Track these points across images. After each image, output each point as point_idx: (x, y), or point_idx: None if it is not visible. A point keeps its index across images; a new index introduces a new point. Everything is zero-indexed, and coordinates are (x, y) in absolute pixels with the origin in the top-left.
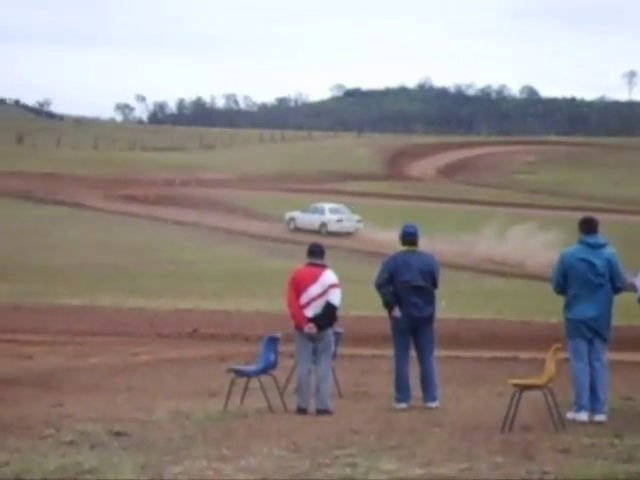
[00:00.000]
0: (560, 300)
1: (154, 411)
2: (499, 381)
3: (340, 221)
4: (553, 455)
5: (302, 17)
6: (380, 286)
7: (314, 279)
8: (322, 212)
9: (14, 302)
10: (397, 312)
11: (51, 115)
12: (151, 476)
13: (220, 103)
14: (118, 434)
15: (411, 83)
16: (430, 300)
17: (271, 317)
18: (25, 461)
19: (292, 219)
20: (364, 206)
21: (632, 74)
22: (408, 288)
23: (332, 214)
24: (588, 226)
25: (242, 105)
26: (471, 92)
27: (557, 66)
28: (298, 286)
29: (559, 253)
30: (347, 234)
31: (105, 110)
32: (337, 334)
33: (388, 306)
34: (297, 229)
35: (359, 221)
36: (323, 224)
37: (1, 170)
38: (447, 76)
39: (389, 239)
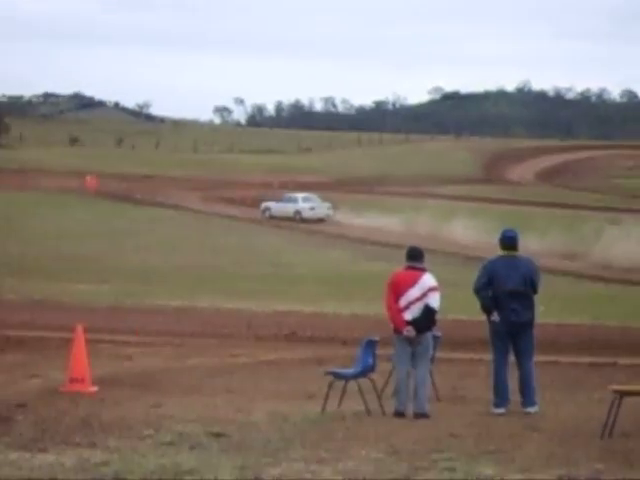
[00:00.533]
0: None
1: (252, 413)
2: (598, 387)
3: (312, 209)
4: None
5: (401, 20)
6: (478, 290)
7: (413, 282)
8: (295, 201)
9: (113, 303)
10: (496, 317)
11: (150, 118)
12: (249, 478)
13: (318, 106)
14: (217, 435)
15: (510, 86)
16: (529, 305)
17: (369, 320)
18: (125, 461)
19: (267, 208)
20: (462, 210)
21: None
22: (507, 293)
23: (305, 202)
24: None
25: (340, 108)
26: (570, 95)
27: None
28: (397, 289)
29: None
30: (319, 220)
31: (204, 113)
32: (436, 338)
33: (486, 311)
34: (272, 217)
35: (329, 208)
36: (297, 212)
37: (101, 171)
38: (546, 79)
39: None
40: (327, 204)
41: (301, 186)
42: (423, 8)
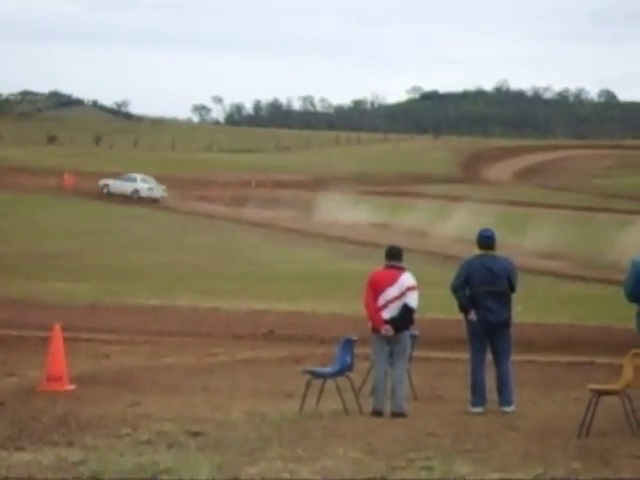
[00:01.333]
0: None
1: (230, 411)
2: (576, 386)
3: (151, 189)
4: (630, 461)
5: (379, 20)
6: (456, 290)
7: (392, 281)
8: (134, 180)
9: (91, 301)
10: (473, 316)
11: (129, 116)
12: (227, 476)
13: (296, 105)
14: (195, 434)
15: (488, 86)
16: (506, 304)
17: (347, 319)
18: (102, 460)
19: (106, 185)
20: (440, 209)
21: None
22: (484, 292)
23: (143, 183)
24: None
25: (318, 107)
26: (548, 95)
27: (636, 69)
28: (376, 288)
29: (631, 260)
30: (154, 201)
31: (182, 111)
32: (413, 337)
33: (464, 310)
34: (110, 194)
35: (164, 190)
36: (135, 190)
37: (79, 170)
38: (524, 79)
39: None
40: (163, 187)
41: (279, 185)
42: (402, 8)
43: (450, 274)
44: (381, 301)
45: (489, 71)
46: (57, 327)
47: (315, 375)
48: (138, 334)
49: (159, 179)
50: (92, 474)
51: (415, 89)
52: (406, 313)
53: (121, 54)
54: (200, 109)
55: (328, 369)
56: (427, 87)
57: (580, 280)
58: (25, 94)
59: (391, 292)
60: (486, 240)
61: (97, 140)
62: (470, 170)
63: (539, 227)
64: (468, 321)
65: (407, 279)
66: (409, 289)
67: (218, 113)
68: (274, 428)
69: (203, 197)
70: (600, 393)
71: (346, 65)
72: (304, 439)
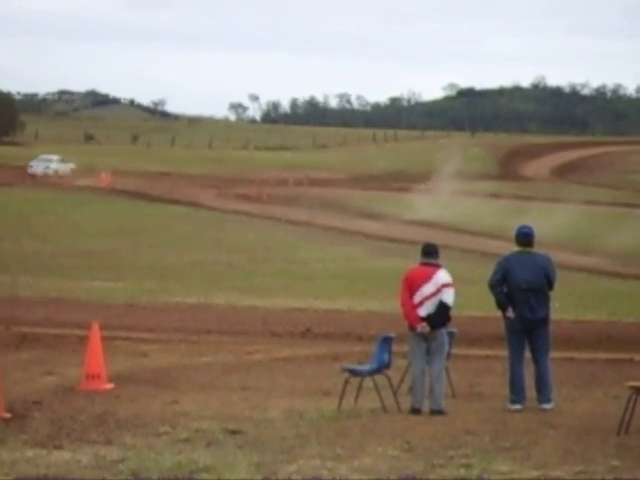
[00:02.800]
0: None
1: (268, 410)
2: (615, 383)
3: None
4: None
5: (416, 17)
6: (493, 287)
7: (428, 278)
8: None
9: (129, 300)
10: (510, 313)
11: (165, 115)
12: (266, 475)
13: (333, 103)
14: (233, 432)
15: (525, 82)
16: (544, 302)
17: (384, 317)
18: (141, 458)
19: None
20: (477, 206)
21: None
22: (521, 289)
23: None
24: None
25: (355, 105)
26: (586, 91)
27: None
28: (412, 285)
29: None
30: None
31: (219, 110)
32: (451, 334)
33: (501, 307)
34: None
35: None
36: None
37: (116, 169)
38: (562, 75)
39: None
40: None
41: (316, 183)
42: (438, 5)
43: (488, 271)
44: (417, 298)
45: (526, 67)
46: (95, 326)
47: (353, 373)
48: (175, 333)
49: (195, 178)
50: (131, 472)
51: (451, 86)
52: (442, 310)
53: (158, 53)
54: (237, 107)
55: (366, 367)
56: (463, 84)
57: (617, 277)
58: (62, 93)
59: (427, 289)
60: (524, 237)
61: (134, 139)
62: (507, 167)
63: (577, 223)
64: (506, 318)
65: (442, 276)
66: (445, 286)
67: (255, 111)
68: (312, 426)
69: (240, 195)
70: (639, 390)
71: (383, 63)
72: (342, 437)
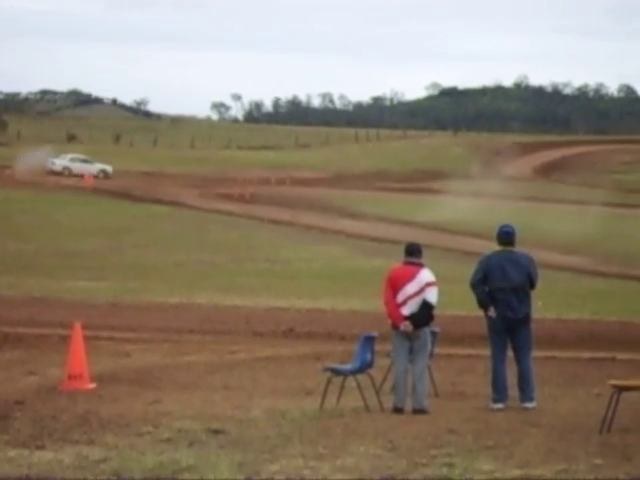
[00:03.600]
0: None
1: (251, 409)
2: (597, 382)
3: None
4: None
5: (399, 16)
6: (474, 286)
7: (411, 277)
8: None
9: (111, 300)
10: (492, 312)
11: (148, 114)
12: (248, 474)
13: (316, 102)
14: (215, 432)
15: (508, 82)
16: (525, 301)
17: (366, 316)
18: (123, 458)
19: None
20: (459, 205)
21: None
22: (502, 289)
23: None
24: None
25: (338, 104)
26: (568, 91)
27: None
28: (395, 284)
29: None
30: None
31: (201, 109)
32: (434, 333)
33: (483, 306)
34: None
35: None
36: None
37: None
38: (544, 74)
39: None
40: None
41: (299, 182)
42: (420, 4)
43: (470, 270)
44: (400, 297)
45: (508, 67)
46: (77, 325)
47: (335, 372)
48: (158, 332)
49: (178, 177)
50: (113, 472)
51: (434, 85)
52: (425, 309)
53: (140, 52)
54: (219, 107)
55: (348, 366)
56: (446, 83)
57: (600, 276)
58: (44, 93)
59: (410, 288)
60: (506, 236)
61: (116, 138)
62: (490, 166)
63: (559, 223)
64: (488, 317)
65: (426, 275)
66: (428, 285)
67: (237, 111)
68: (295, 426)
69: (222, 195)
70: (621, 389)
71: (365, 62)
72: (325, 437)
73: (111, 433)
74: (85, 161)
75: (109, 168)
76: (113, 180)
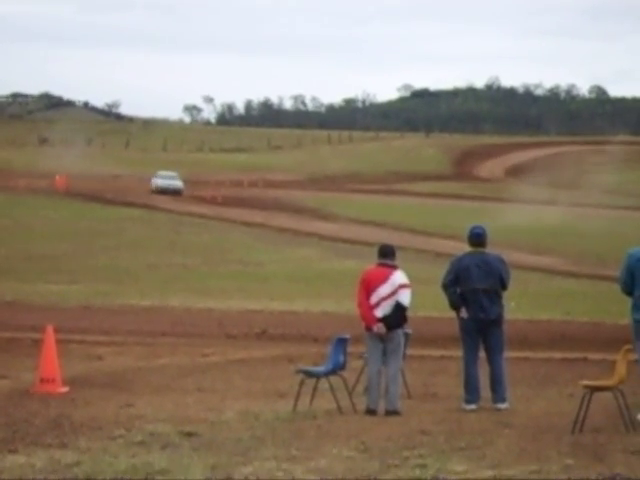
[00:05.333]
0: (630, 301)
1: (224, 412)
2: (569, 382)
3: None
4: (624, 457)
5: (369, 18)
6: (446, 287)
7: (384, 279)
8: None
9: (84, 303)
10: (464, 313)
11: (120, 117)
12: (221, 477)
13: (288, 104)
14: (188, 435)
15: (479, 83)
16: (496, 302)
17: (339, 318)
18: (96, 461)
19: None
20: (432, 207)
21: None
22: (474, 290)
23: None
24: None
25: (310, 106)
26: (539, 92)
27: (626, 66)
28: (368, 286)
29: (626, 254)
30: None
31: (173, 112)
32: (406, 335)
33: (454, 307)
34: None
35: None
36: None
37: (71, 172)
38: (515, 76)
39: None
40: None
41: (271, 184)
42: (392, 6)
43: (443, 271)
44: (374, 299)
45: (480, 68)
46: (49, 329)
47: (308, 374)
48: (131, 335)
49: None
50: (86, 476)
51: (406, 87)
52: (399, 311)
53: (111, 55)
54: (191, 109)
55: (321, 368)
56: (418, 85)
57: (572, 276)
58: (16, 96)
59: (383, 290)
60: (476, 237)
61: (89, 141)
62: (461, 167)
63: (531, 223)
64: (460, 319)
65: (399, 277)
66: (401, 287)
67: (209, 113)
68: (267, 428)
69: (195, 197)
70: (593, 389)
71: (337, 64)
72: (298, 439)
73: (84, 437)
74: (170, 177)
75: (179, 184)
76: (85, 182)
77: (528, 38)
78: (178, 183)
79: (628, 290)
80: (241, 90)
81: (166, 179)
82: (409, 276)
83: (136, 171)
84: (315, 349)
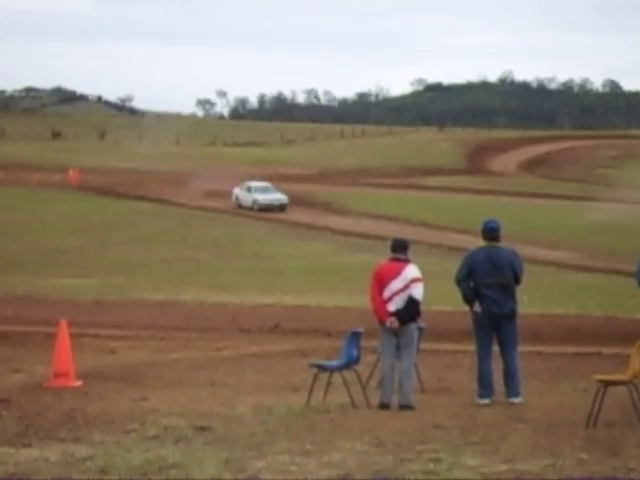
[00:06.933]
0: None
1: (237, 406)
2: (583, 377)
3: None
4: (638, 451)
5: (383, 12)
6: (459, 281)
7: (397, 274)
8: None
9: (97, 297)
10: (477, 307)
11: (133, 111)
12: (234, 471)
13: (301, 98)
14: (202, 429)
15: (493, 77)
16: (510, 296)
17: (352, 312)
18: (109, 455)
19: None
20: (445, 201)
21: None
22: (487, 284)
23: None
24: None
25: (323, 100)
26: (553, 86)
27: None
28: (381, 281)
29: None
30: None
31: (186, 106)
32: (420, 329)
33: (468, 302)
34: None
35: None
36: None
37: (84, 165)
38: (529, 70)
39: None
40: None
41: (285, 178)
42: (406, 0)
43: (456, 265)
44: (386, 294)
45: (493, 62)
46: (63, 323)
47: (322, 368)
48: (144, 329)
49: (164, 175)
50: (99, 470)
51: (419, 81)
52: (411, 305)
53: (124, 49)
54: (204, 103)
55: (335, 362)
56: (431, 79)
57: (586, 270)
58: (29, 90)
59: (396, 284)
60: (490, 231)
61: (102, 135)
62: (475, 161)
63: (545, 218)
64: (473, 313)
65: (411, 271)
66: (413, 281)
67: (222, 107)
68: (281, 422)
69: (208, 191)
70: (607, 384)
71: (350, 58)
72: (311, 433)
73: (97, 430)
74: (270, 190)
75: (284, 198)
76: (98, 176)
77: (542, 32)
78: (282, 197)
79: None
80: (254, 84)
81: (266, 192)
82: (422, 270)
83: (149, 165)
84: (328, 343)
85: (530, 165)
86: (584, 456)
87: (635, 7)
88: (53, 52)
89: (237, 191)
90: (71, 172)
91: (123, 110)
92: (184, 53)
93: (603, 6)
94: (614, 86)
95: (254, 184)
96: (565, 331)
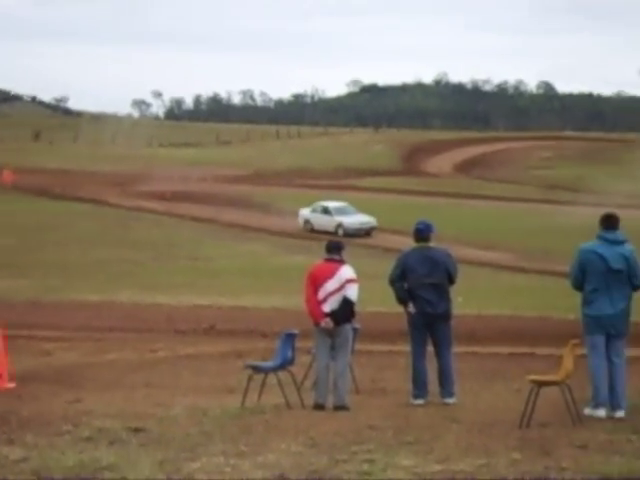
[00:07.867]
0: (578, 296)
1: (172, 407)
2: (517, 377)
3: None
4: (571, 451)
5: (318, 13)
6: (393, 282)
7: (331, 274)
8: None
9: (32, 298)
10: (411, 308)
11: (68, 111)
12: (169, 472)
13: (236, 99)
14: (136, 430)
15: (428, 79)
16: (444, 296)
17: (288, 313)
18: (43, 457)
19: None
20: (381, 202)
21: None
22: (420, 284)
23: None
24: (608, 222)
25: (258, 101)
26: (488, 87)
27: (574, 62)
28: (315, 281)
29: (577, 248)
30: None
31: (122, 106)
32: (355, 330)
33: (402, 302)
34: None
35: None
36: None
37: (18, 166)
38: (464, 72)
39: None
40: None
41: (220, 179)
42: (340, 1)
43: (390, 266)
44: (321, 294)
45: (428, 64)
46: None
47: (256, 370)
48: (79, 330)
49: (99, 176)
50: (33, 472)
51: (355, 82)
52: (346, 306)
53: (59, 49)
54: (140, 104)
55: (269, 363)
56: (367, 80)
57: (520, 272)
58: None
59: (330, 285)
60: (421, 232)
61: (36, 136)
62: (410, 163)
63: (479, 219)
64: (408, 313)
65: (346, 272)
66: (348, 282)
67: (158, 108)
68: (216, 423)
69: (144, 192)
70: (540, 384)
71: (286, 59)
72: (246, 434)
73: (31, 432)
74: (352, 212)
75: (373, 221)
76: (33, 177)
77: (476, 34)
78: (371, 220)
79: (579, 285)
80: (190, 85)
81: (350, 215)
82: (357, 271)
83: (84, 166)
84: (263, 344)
85: (465, 166)
86: (517, 456)
87: (569, 10)
88: None
89: (306, 213)
90: (5, 172)
91: (58, 110)
92: (120, 54)
93: (538, 8)
94: (548, 88)
95: (332, 205)
96: (499, 332)
